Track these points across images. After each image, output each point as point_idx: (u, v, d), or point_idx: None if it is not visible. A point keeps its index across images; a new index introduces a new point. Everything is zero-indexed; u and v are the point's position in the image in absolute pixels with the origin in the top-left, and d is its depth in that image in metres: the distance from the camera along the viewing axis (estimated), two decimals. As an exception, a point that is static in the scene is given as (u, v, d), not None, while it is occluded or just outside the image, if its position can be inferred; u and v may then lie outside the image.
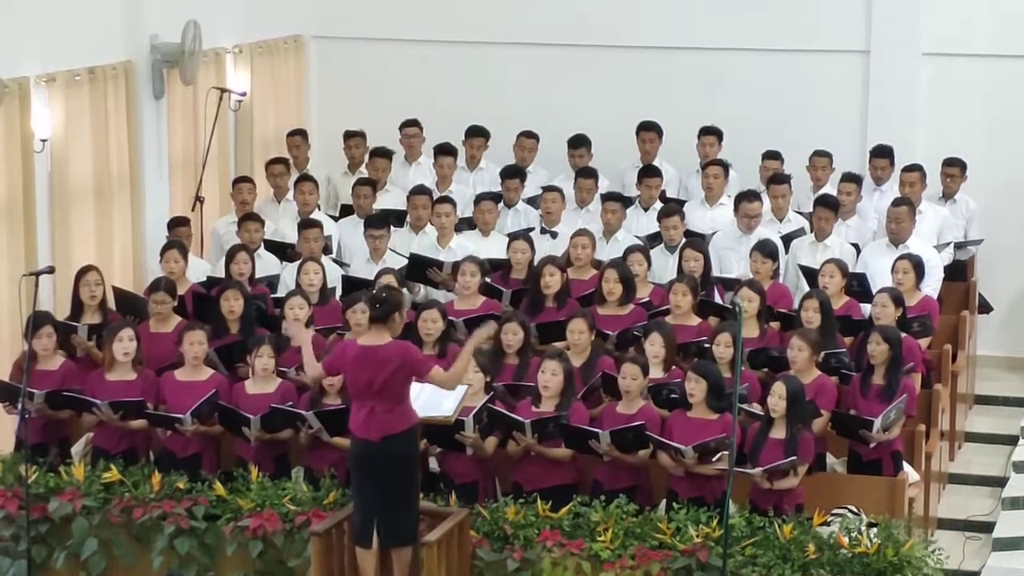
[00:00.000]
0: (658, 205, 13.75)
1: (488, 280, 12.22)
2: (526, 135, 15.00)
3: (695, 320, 11.60)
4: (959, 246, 14.06)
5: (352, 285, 12.40)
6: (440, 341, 11.18)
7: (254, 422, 10.45)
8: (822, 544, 9.43)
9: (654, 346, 10.79)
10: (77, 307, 11.67)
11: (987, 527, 11.85)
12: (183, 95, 14.17)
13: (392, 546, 9.44)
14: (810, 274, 12.38)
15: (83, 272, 11.72)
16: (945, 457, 12.53)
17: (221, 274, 12.51)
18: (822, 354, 10.87)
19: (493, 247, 13.07)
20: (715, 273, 12.56)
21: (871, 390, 10.70)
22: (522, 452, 10.29)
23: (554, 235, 13.32)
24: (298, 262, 12.48)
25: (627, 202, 13.68)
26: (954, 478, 12.71)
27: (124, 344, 10.80)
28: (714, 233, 13.35)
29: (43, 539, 10.26)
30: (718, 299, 12.15)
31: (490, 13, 15.99)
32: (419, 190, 13.67)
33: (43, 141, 12.35)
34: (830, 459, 10.78)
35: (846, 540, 9.43)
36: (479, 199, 13.57)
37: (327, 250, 13.14)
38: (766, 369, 11.12)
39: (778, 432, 9.94)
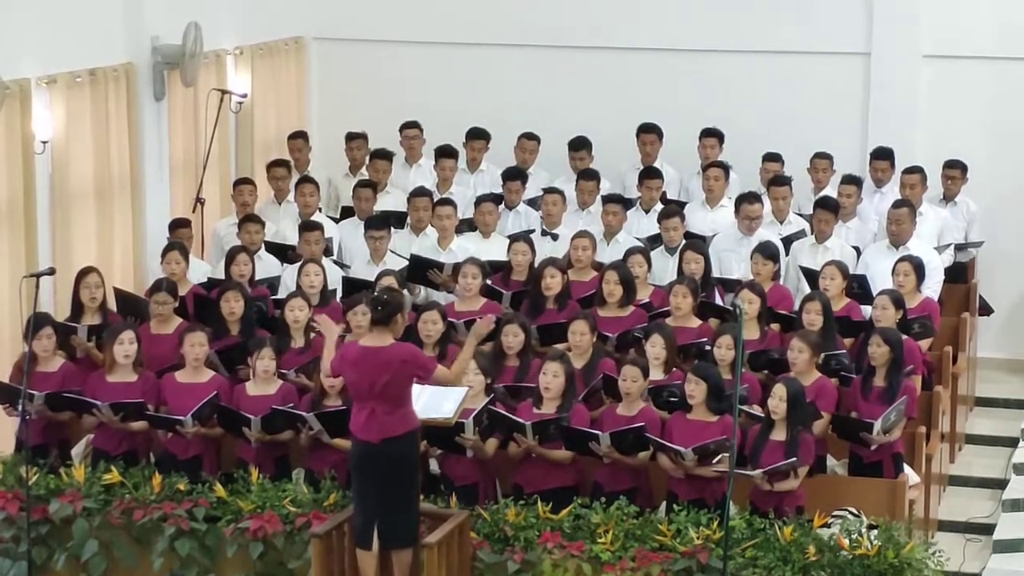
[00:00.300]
0: (659, 207, 13.75)
1: (488, 282, 12.22)
2: (527, 137, 15.00)
3: (695, 322, 11.61)
4: (959, 248, 14.06)
5: (353, 286, 12.40)
6: (440, 343, 11.20)
7: (255, 423, 10.45)
8: (822, 546, 9.42)
9: (655, 348, 10.79)
10: (77, 308, 11.67)
11: (987, 529, 11.85)
12: (184, 97, 14.17)
13: (392, 548, 9.44)
14: (811, 276, 12.38)
15: (84, 274, 11.72)
16: (945, 459, 12.53)
17: (221, 275, 12.51)
18: (822, 356, 10.87)
19: (493, 249, 13.07)
20: (716, 275, 12.56)
21: (872, 392, 10.70)
22: (523, 454, 10.29)
23: (555, 237, 13.32)
24: (299, 264, 12.48)
25: (628, 204, 13.69)
26: (954, 480, 12.71)
27: (125, 347, 10.80)
28: (715, 235, 13.36)
29: (43, 540, 10.26)
30: (719, 301, 12.15)
31: (491, 15, 15.99)
32: (419, 192, 13.67)
33: (44, 143, 12.35)
34: (831, 461, 10.78)
35: (846, 542, 9.43)
36: (480, 201, 13.57)
37: (328, 252, 13.14)
38: (766, 371, 11.12)
39: (778, 434, 9.94)
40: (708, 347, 10.96)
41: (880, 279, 12.37)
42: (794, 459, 9.76)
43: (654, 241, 13.18)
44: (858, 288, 12.18)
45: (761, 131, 15.01)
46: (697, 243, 12.60)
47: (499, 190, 14.21)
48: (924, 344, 11.88)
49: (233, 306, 11.57)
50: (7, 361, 11.36)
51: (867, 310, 11.82)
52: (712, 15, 15.54)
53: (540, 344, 11.46)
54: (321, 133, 16.01)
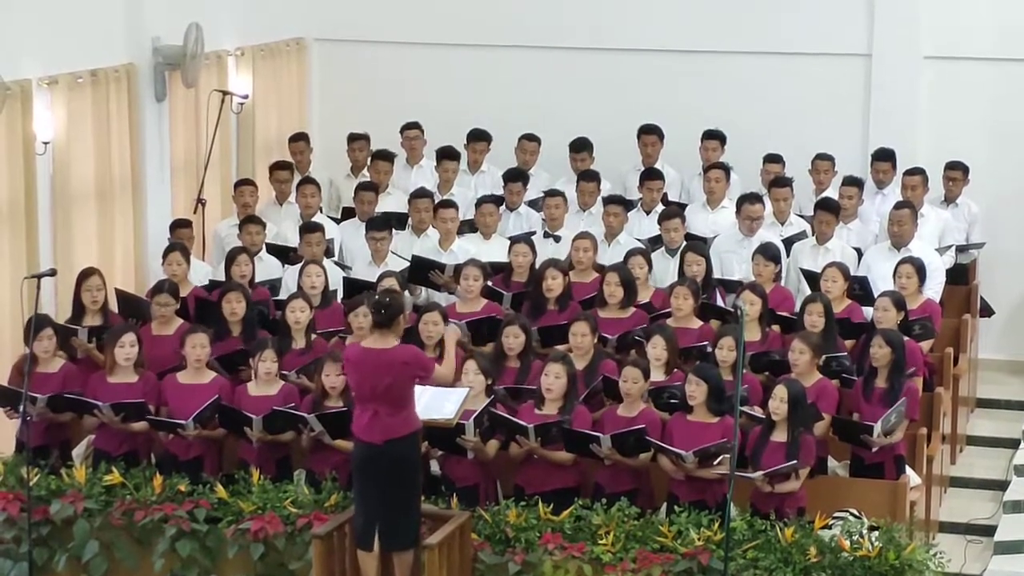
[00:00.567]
0: (660, 208, 13.75)
1: (489, 283, 12.22)
2: (527, 138, 15.00)
3: (696, 323, 11.60)
4: (961, 249, 14.06)
5: (353, 287, 12.41)
6: (441, 343, 11.18)
7: (256, 422, 10.45)
8: (823, 547, 9.43)
9: (656, 349, 10.79)
10: (78, 309, 11.66)
11: (989, 531, 11.85)
12: (185, 98, 14.17)
13: (394, 549, 9.45)
14: (812, 278, 12.38)
15: (85, 275, 11.71)
16: (947, 460, 12.53)
17: (222, 277, 12.51)
18: (823, 357, 10.86)
19: (494, 250, 13.07)
20: (717, 276, 12.55)
21: (874, 394, 10.70)
22: (524, 455, 10.29)
23: (557, 239, 13.32)
24: (300, 265, 12.48)
25: (629, 205, 13.69)
26: (956, 482, 12.70)
27: (126, 350, 10.80)
28: (715, 236, 13.35)
29: (44, 541, 10.27)
30: (720, 302, 12.15)
31: (492, 16, 15.99)
32: (420, 193, 13.67)
33: (45, 143, 12.34)
34: (832, 462, 10.77)
35: (847, 543, 9.43)
36: (480, 202, 13.57)
37: (329, 253, 13.14)
38: (767, 372, 11.11)
39: (779, 435, 9.94)
40: (709, 349, 10.96)
41: (881, 280, 12.37)
42: (795, 461, 9.76)
43: (655, 242, 13.18)
44: (859, 289, 12.18)
45: (762, 132, 15.00)
46: (698, 245, 12.60)
47: (500, 191, 14.21)
48: (925, 345, 11.88)
49: (235, 307, 11.56)
50: (8, 362, 11.35)
51: (868, 311, 11.82)
52: (713, 16, 15.54)
53: (541, 346, 11.46)
54: (322, 134, 16.00)
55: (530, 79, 15.92)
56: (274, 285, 12.79)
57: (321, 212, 13.99)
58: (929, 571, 9.45)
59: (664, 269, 12.80)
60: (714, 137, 14.72)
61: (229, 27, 14.93)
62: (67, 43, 12.68)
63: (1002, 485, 12.46)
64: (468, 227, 13.61)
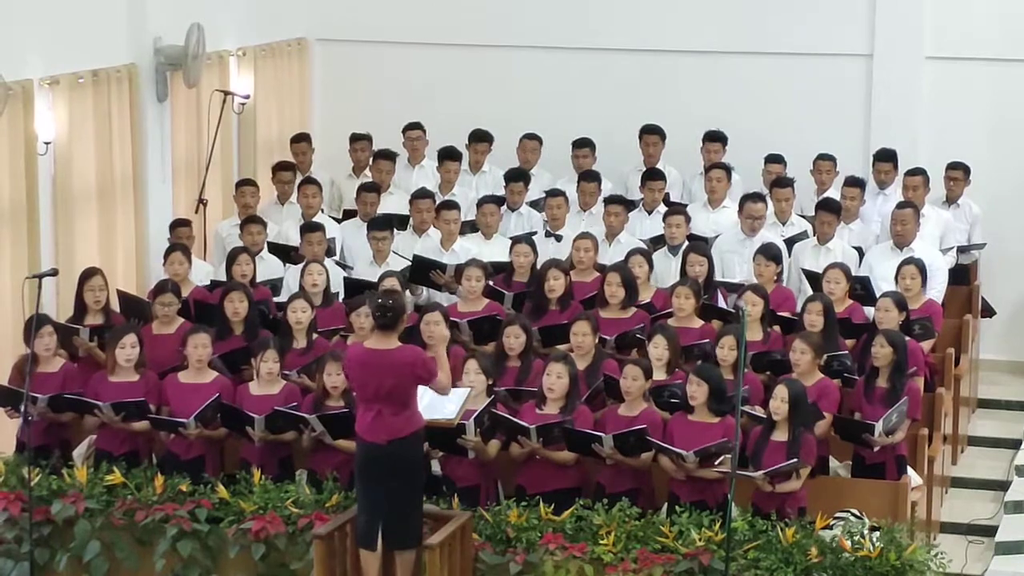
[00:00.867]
0: (661, 208, 13.75)
1: (491, 283, 12.22)
2: (529, 137, 15.02)
3: (698, 323, 11.60)
4: (962, 250, 14.05)
5: (354, 287, 12.41)
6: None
7: (258, 422, 10.46)
8: (825, 548, 9.42)
9: (657, 348, 10.79)
10: (80, 309, 11.67)
11: (990, 531, 11.85)
12: (186, 98, 14.18)
13: (397, 548, 9.45)
14: (813, 278, 12.38)
15: (88, 275, 11.72)
16: (948, 461, 12.52)
17: (224, 276, 12.51)
18: (824, 357, 10.86)
19: (496, 250, 13.07)
20: (718, 276, 12.55)
21: (875, 394, 10.69)
22: (525, 455, 10.28)
23: (558, 239, 13.33)
24: (301, 265, 12.49)
25: (630, 205, 13.69)
26: (957, 482, 12.70)
27: (126, 351, 10.80)
28: (717, 236, 13.35)
29: (46, 541, 10.27)
30: (721, 303, 12.14)
31: (493, 16, 15.99)
32: (422, 193, 13.67)
33: (47, 144, 12.35)
34: (833, 462, 10.77)
35: (849, 544, 9.43)
36: (482, 202, 13.58)
37: (330, 252, 13.14)
38: (768, 372, 11.11)
39: (780, 435, 9.93)
40: (709, 348, 10.95)
41: (883, 281, 12.38)
42: (795, 460, 9.76)
43: (657, 242, 13.19)
44: (861, 290, 12.18)
45: (763, 132, 15.00)
46: (701, 245, 12.59)
47: (501, 192, 14.21)
48: (926, 345, 11.87)
49: (237, 307, 11.57)
50: (9, 362, 11.34)
51: (869, 311, 11.81)
52: (715, 17, 15.55)
53: (543, 346, 11.46)
54: (323, 134, 16.00)
55: (532, 79, 15.93)
56: (275, 284, 12.79)
57: (322, 212, 13.99)
58: (930, 571, 9.44)
59: (666, 269, 12.80)
60: (716, 139, 14.72)
61: (230, 27, 14.94)
62: (69, 43, 12.68)
63: (1003, 485, 12.46)
64: (469, 227, 13.61)
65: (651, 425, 10.11)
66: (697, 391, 10.08)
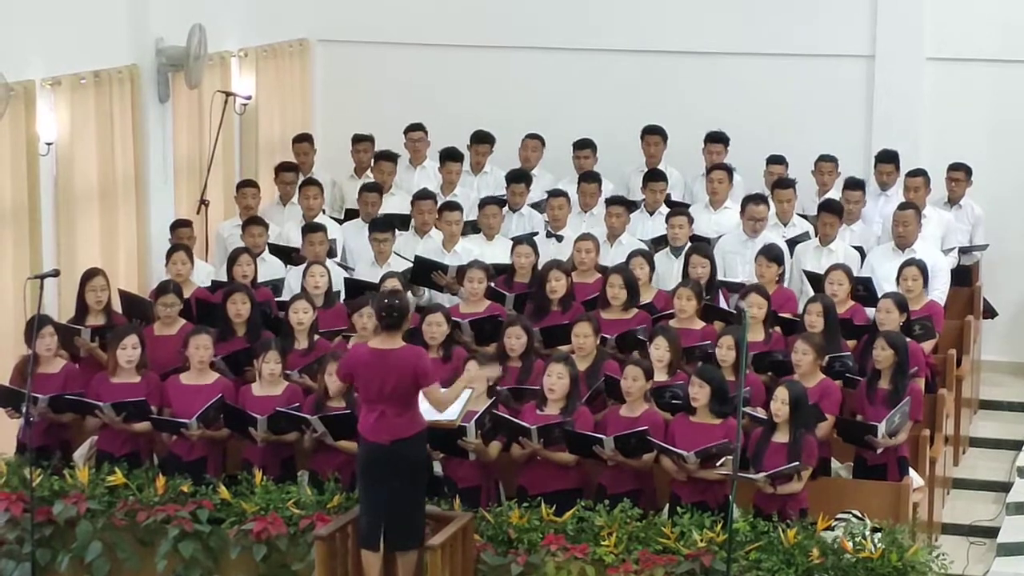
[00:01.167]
0: (663, 209, 13.75)
1: (492, 284, 12.22)
2: (531, 137, 15.01)
3: (699, 324, 11.60)
4: (964, 251, 14.05)
5: (355, 288, 12.41)
6: (445, 344, 11.21)
7: (261, 422, 10.46)
8: (826, 549, 9.42)
9: (659, 350, 10.79)
10: (82, 310, 11.67)
11: (991, 532, 11.85)
12: (188, 99, 14.18)
13: (399, 549, 9.45)
14: (815, 279, 12.37)
15: (89, 276, 11.72)
16: (949, 462, 12.51)
17: (225, 277, 12.52)
18: (826, 358, 10.86)
19: (497, 251, 13.07)
20: (720, 277, 12.54)
21: (877, 395, 10.69)
22: (527, 456, 10.28)
23: (560, 239, 13.32)
24: (303, 266, 12.49)
25: (631, 206, 13.69)
26: (958, 483, 12.70)
27: (128, 352, 10.80)
28: (719, 237, 13.35)
29: (47, 542, 10.27)
30: (723, 304, 12.14)
31: (495, 17, 15.99)
32: (423, 194, 13.67)
33: (48, 144, 12.35)
34: (835, 464, 10.77)
35: (850, 545, 9.43)
36: (483, 203, 13.58)
37: (331, 253, 13.15)
38: (770, 373, 11.11)
39: (781, 436, 9.93)
40: (711, 349, 10.95)
41: (885, 282, 12.37)
42: (797, 463, 9.75)
43: (658, 243, 13.19)
44: (863, 291, 12.17)
45: (765, 133, 15.00)
46: (703, 246, 12.58)
47: (503, 193, 14.21)
48: (927, 346, 11.86)
49: (240, 308, 11.57)
50: (11, 363, 11.34)
51: (870, 311, 11.81)
52: (716, 18, 15.54)
53: (544, 347, 11.46)
54: (325, 135, 15.99)
55: (533, 80, 15.92)
56: (276, 285, 12.79)
57: (324, 213, 13.99)
58: (932, 573, 9.45)
59: (668, 269, 12.80)
60: (717, 140, 14.71)
61: (232, 28, 14.94)
62: (71, 44, 12.69)
63: (1005, 487, 12.45)
64: (471, 228, 13.61)
65: (652, 426, 10.11)
66: (699, 393, 10.08)
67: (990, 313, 14.47)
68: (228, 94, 14.62)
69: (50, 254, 12.44)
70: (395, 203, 14.27)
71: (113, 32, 13.34)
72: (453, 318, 11.46)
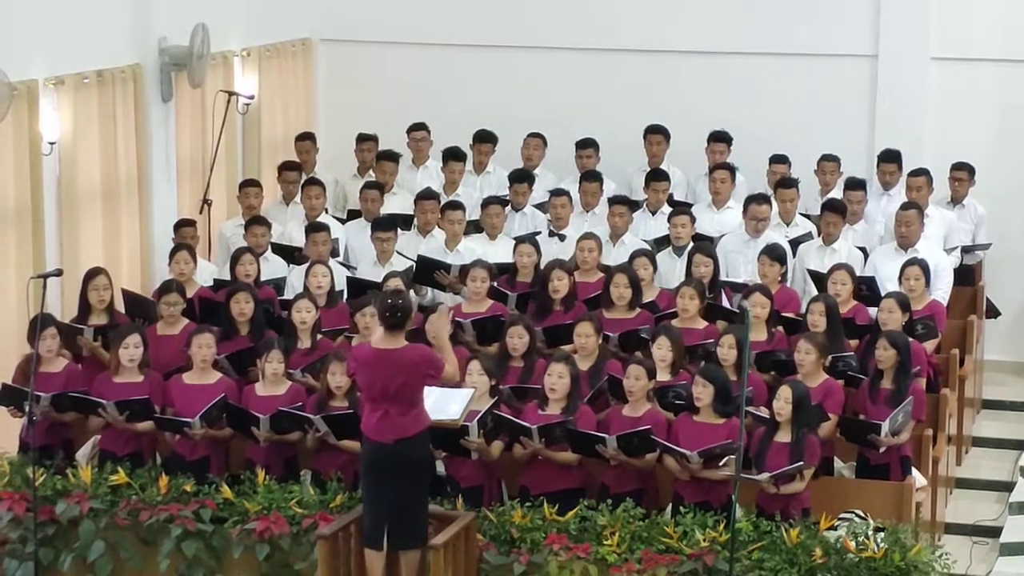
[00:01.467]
0: (665, 208, 13.76)
1: (495, 284, 12.23)
2: (533, 136, 15.02)
3: (702, 324, 11.60)
4: (967, 250, 14.05)
5: (358, 287, 12.41)
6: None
7: (263, 422, 10.47)
8: (829, 548, 9.42)
9: (661, 349, 10.78)
10: (84, 309, 11.68)
11: (994, 532, 11.85)
12: (191, 98, 14.19)
13: (403, 548, 9.45)
14: (818, 279, 12.37)
15: (92, 275, 11.73)
16: (952, 462, 12.51)
17: (227, 277, 12.52)
18: (829, 358, 10.85)
19: (500, 251, 13.08)
20: (722, 277, 12.54)
21: (880, 395, 10.68)
22: (529, 456, 10.29)
23: (562, 238, 13.33)
24: (306, 265, 12.49)
25: (634, 206, 13.69)
26: (961, 483, 12.69)
27: (130, 351, 10.80)
28: (721, 236, 13.35)
29: (50, 541, 10.27)
30: (726, 303, 12.14)
31: (498, 17, 15.99)
32: (426, 194, 13.68)
33: (51, 144, 12.35)
34: (838, 463, 10.78)
35: (853, 544, 9.43)
36: (486, 203, 13.58)
37: (334, 253, 13.15)
38: (772, 372, 11.11)
39: (784, 436, 9.93)
40: (713, 348, 10.96)
41: (888, 281, 12.37)
42: (800, 463, 9.75)
43: (661, 243, 13.19)
44: (867, 290, 12.17)
45: (768, 133, 14.99)
46: (706, 246, 12.58)
47: (506, 192, 14.21)
48: (929, 345, 11.86)
49: (243, 307, 11.58)
50: (15, 362, 11.35)
51: (873, 311, 11.80)
52: (720, 18, 15.54)
53: (547, 346, 11.47)
54: (328, 135, 16.00)
55: (536, 80, 15.92)
56: (278, 284, 12.80)
57: (327, 212, 14.00)
58: (935, 572, 9.45)
59: (670, 269, 12.80)
60: (721, 140, 14.72)
61: (235, 28, 14.94)
62: (73, 44, 12.69)
63: (1008, 486, 12.45)
64: (474, 228, 13.61)
65: (655, 425, 10.11)
66: (703, 392, 10.07)
67: (993, 313, 14.47)
68: (231, 93, 14.62)
69: (53, 254, 12.43)
70: (397, 203, 14.28)
71: (116, 31, 13.35)
72: (456, 318, 11.45)
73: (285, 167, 14.53)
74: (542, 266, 12.34)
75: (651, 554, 9.52)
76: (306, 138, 15.17)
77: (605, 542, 9.62)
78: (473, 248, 13.07)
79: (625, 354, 11.31)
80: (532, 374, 10.97)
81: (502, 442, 10.36)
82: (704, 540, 9.51)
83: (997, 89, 15.07)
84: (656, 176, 14.10)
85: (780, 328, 11.63)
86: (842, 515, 9.87)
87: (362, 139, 15.16)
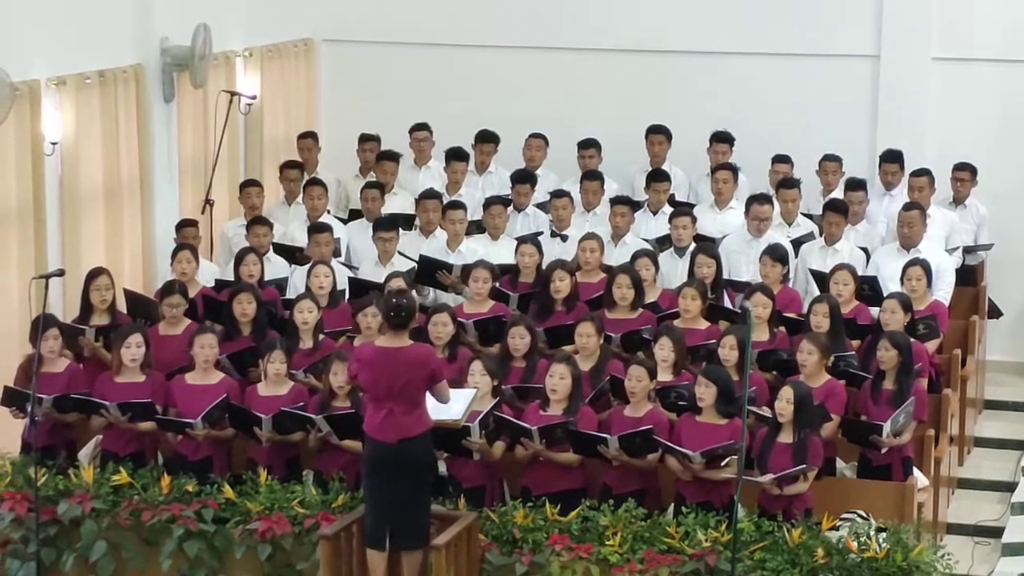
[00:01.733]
0: (666, 209, 13.76)
1: (496, 284, 12.23)
2: (535, 136, 15.02)
3: (704, 324, 11.59)
4: (968, 251, 14.05)
5: (359, 287, 12.41)
6: (450, 344, 11.20)
7: (266, 422, 10.47)
8: (831, 549, 9.42)
9: (663, 350, 10.78)
10: (86, 309, 11.68)
11: (996, 532, 11.85)
12: (193, 98, 14.19)
13: (405, 548, 9.45)
14: (820, 279, 12.37)
15: (94, 275, 11.73)
16: (954, 462, 12.51)
17: (230, 277, 12.53)
18: (832, 358, 10.85)
19: (502, 251, 13.08)
20: (725, 277, 12.54)
21: (881, 396, 10.68)
22: (531, 457, 10.28)
23: (564, 239, 13.33)
24: (308, 265, 12.50)
25: (635, 206, 13.69)
26: (963, 483, 12.69)
27: (132, 351, 10.80)
28: (724, 237, 13.35)
29: (52, 541, 10.28)
30: (728, 303, 12.13)
31: (501, 17, 15.99)
32: (429, 194, 13.68)
33: (53, 144, 12.36)
34: (840, 464, 10.78)
35: (855, 545, 9.43)
36: (488, 203, 13.58)
37: (336, 253, 13.15)
38: (774, 372, 11.11)
39: (786, 436, 9.92)
40: (714, 347, 10.95)
41: (891, 281, 12.37)
42: (803, 465, 9.74)
43: (663, 243, 13.19)
44: (869, 290, 12.17)
45: (770, 133, 14.98)
46: (709, 246, 12.58)
47: (508, 193, 14.21)
48: (931, 346, 11.85)
49: (246, 308, 11.58)
50: (17, 363, 11.35)
51: (875, 312, 11.80)
52: (721, 18, 15.54)
53: (548, 346, 11.47)
54: (330, 135, 16.00)
55: (538, 80, 15.92)
56: (280, 284, 12.80)
57: (329, 213, 14.00)
58: (936, 572, 9.45)
59: (672, 270, 12.80)
60: (723, 140, 14.72)
61: (237, 28, 14.95)
62: (75, 44, 12.69)
63: (1010, 487, 12.45)
64: (476, 228, 13.62)
65: (657, 426, 10.11)
66: (706, 392, 10.07)
67: (995, 313, 14.46)
68: (233, 94, 14.63)
69: (55, 254, 12.44)
70: (398, 203, 14.28)
71: (118, 32, 13.35)
72: (458, 318, 11.45)
73: (286, 166, 14.54)
74: (544, 267, 12.34)
75: (653, 554, 9.52)
76: (308, 136, 15.18)
77: (607, 542, 9.62)
78: (475, 248, 13.07)
79: (627, 354, 11.31)
80: (534, 374, 10.97)
81: (504, 443, 10.36)
82: (706, 540, 9.51)
83: (999, 89, 15.07)
84: (657, 176, 14.11)
85: (782, 328, 11.62)
86: (844, 515, 9.86)
87: (364, 139, 15.17)
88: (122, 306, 12.01)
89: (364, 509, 9.59)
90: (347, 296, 12.47)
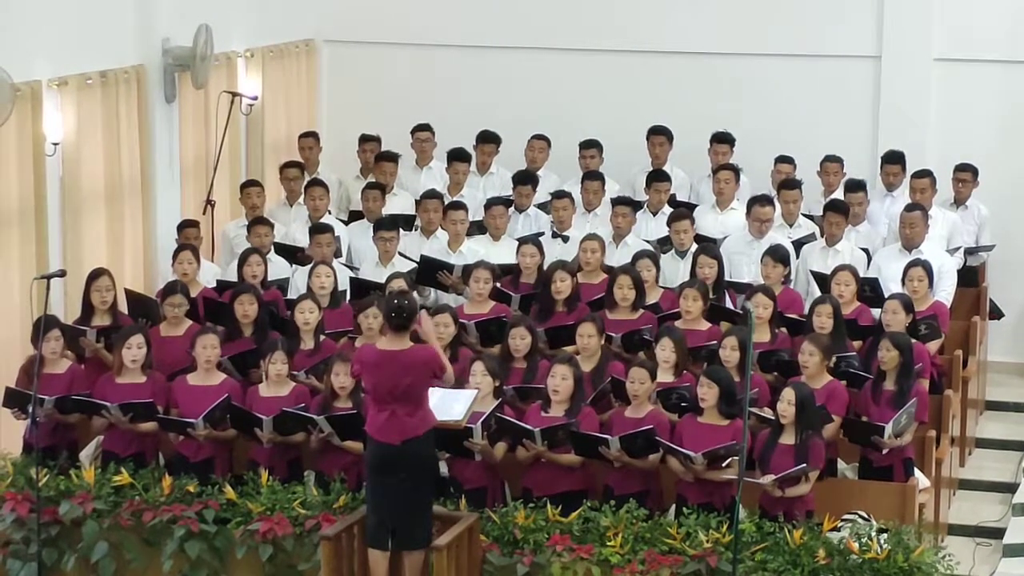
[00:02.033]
0: (667, 209, 13.76)
1: (498, 285, 12.23)
2: (537, 137, 15.02)
3: (705, 325, 11.59)
4: (970, 251, 14.04)
5: (360, 288, 12.41)
6: (452, 345, 11.20)
7: (266, 423, 10.47)
8: (832, 550, 9.43)
9: (665, 351, 10.78)
10: (87, 310, 11.68)
11: (998, 533, 11.84)
12: (195, 99, 14.19)
13: (407, 549, 9.46)
14: (822, 280, 12.37)
15: (95, 276, 11.73)
16: (956, 463, 12.51)
17: (231, 277, 12.53)
18: (833, 358, 10.85)
19: (503, 252, 13.08)
20: (725, 278, 12.53)
21: (882, 396, 10.68)
22: (532, 458, 10.28)
23: (565, 239, 13.33)
24: (309, 266, 12.50)
25: (636, 206, 13.69)
26: (965, 484, 12.69)
27: (133, 351, 10.81)
28: (725, 238, 13.35)
29: (53, 542, 10.28)
30: (730, 304, 12.13)
31: (502, 18, 16.00)
32: (430, 195, 13.68)
33: (55, 145, 12.35)
34: (841, 465, 10.77)
35: (856, 546, 9.43)
36: (489, 204, 13.59)
37: (337, 253, 13.15)
38: (775, 373, 11.11)
39: (788, 438, 9.92)
40: (716, 350, 10.94)
41: (892, 282, 12.37)
42: (804, 465, 9.74)
43: (664, 244, 13.18)
44: (870, 291, 12.17)
45: (771, 134, 14.99)
46: (711, 247, 12.57)
47: (509, 193, 14.21)
48: (932, 346, 11.84)
49: (247, 309, 11.58)
50: (18, 363, 11.36)
51: (876, 312, 11.79)
52: (723, 19, 15.54)
53: (549, 347, 11.47)
54: (331, 135, 15.99)
55: (540, 81, 15.92)
56: (281, 285, 12.80)
57: (330, 214, 14.00)
58: (938, 573, 9.45)
59: (674, 271, 12.80)
60: (724, 141, 14.72)
61: (239, 28, 14.95)
62: (77, 44, 12.69)
63: (1011, 488, 12.45)
64: (477, 229, 13.62)
65: (658, 426, 10.11)
66: (707, 393, 10.06)
67: (996, 314, 14.45)
68: (234, 94, 14.63)
69: (56, 254, 12.44)
70: (398, 203, 14.28)
71: (119, 32, 13.35)
72: (459, 319, 11.45)
73: (287, 166, 14.54)
74: (545, 267, 12.34)
75: (654, 555, 9.53)
76: (309, 136, 15.18)
77: (608, 543, 9.63)
78: (476, 249, 13.07)
79: (628, 355, 11.31)
80: (535, 375, 10.97)
81: (505, 444, 10.36)
82: (707, 541, 9.51)
83: (1000, 90, 15.06)
84: (657, 177, 14.11)
85: (783, 329, 11.62)
86: (845, 516, 9.87)
87: (365, 140, 15.17)
88: (123, 307, 12.02)
89: (366, 509, 9.60)
90: (348, 297, 12.48)
